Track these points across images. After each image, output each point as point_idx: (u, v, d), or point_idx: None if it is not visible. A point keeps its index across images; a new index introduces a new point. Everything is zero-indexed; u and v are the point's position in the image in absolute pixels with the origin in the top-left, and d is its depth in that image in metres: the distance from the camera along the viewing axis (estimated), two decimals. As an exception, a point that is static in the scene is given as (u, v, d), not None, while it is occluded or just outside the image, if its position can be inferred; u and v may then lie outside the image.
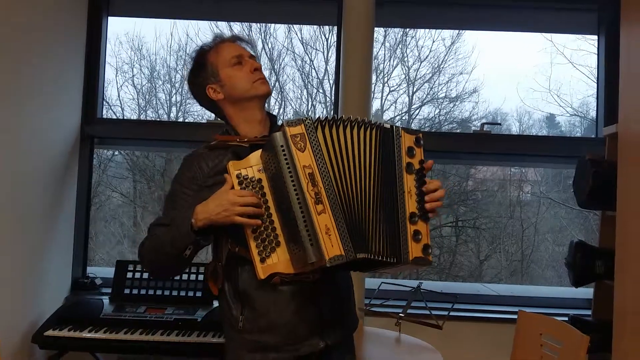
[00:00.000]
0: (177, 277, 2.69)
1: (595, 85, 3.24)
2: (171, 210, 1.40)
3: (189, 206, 1.33)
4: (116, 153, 4.74)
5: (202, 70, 1.50)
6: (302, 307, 1.36)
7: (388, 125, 1.31)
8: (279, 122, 1.47)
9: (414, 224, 1.24)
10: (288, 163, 1.19)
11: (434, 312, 2.38)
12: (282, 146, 1.20)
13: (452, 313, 2.43)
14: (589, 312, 2.67)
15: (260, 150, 1.29)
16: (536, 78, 3.78)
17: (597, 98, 3.20)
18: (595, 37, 3.24)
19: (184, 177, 1.43)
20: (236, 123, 1.49)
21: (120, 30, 3.67)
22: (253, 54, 1.53)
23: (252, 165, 1.28)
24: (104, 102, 3.26)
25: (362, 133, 1.26)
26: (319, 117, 1.25)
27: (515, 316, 2.38)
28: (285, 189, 1.19)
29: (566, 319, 2.48)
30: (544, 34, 3.46)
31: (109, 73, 3.35)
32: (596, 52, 3.23)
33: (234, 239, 1.36)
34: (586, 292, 2.90)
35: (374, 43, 2.92)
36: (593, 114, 3.28)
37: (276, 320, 1.35)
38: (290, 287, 1.35)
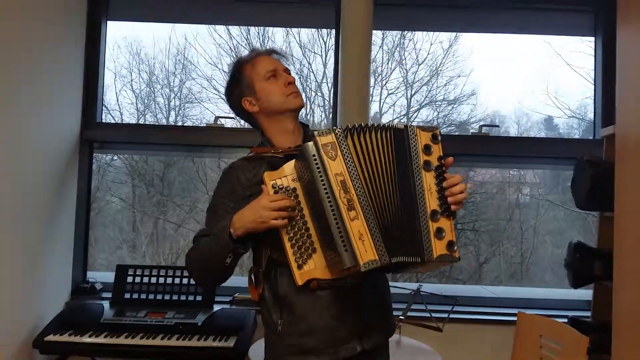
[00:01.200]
0: (178, 281, 2.71)
1: (593, 87, 3.25)
2: (213, 221, 1.44)
3: (229, 217, 1.36)
4: (115, 158, 4.74)
5: (238, 82, 1.55)
6: (341, 311, 1.38)
7: (402, 126, 1.32)
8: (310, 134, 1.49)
9: (435, 222, 1.26)
10: (320, 171, 1.22)
11: (434, 315, 2.39)
12: (314, 155, 1.23)
13: (452, 315, 2.44)
14: (588, 314, 2.67)
15: (294, 160, 1.33)
16: (534, 80, 3.79)
17: (595, 100, 3.21)
18: (593, 39, 3.25)
19: (223, 190, 1.48)
20: (271, 134, 1.53)
21: (118, 34, 3.67)
22: (287, 67, 1.57)
23: (287, 175, 1.33)
24: (103, 107, 3.27)
25: (379, 136, 1.29)
26: (348, 125, 1.28)
27: (515, 318, 2.38)
28: (319, 197, 1.22)
29: (566, 320, 2.49)
30: (541, 36, 3.47)
31: (108, 77, 3.35)
32: (593, 54, 3.25)
33: (272, 245, 1.39)
34: (585, 293, 2.91)
35: (372, 46, 2.93)
36: (591, 115, 3.29)
37: (315, 323, 1.38)
38: (329, 291, 1.37)
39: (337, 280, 1.30)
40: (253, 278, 1.45)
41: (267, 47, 1.60)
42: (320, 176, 1.22)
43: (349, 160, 1.23)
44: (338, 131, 1.26)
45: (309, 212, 1.30)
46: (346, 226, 1.18)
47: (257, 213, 1.29)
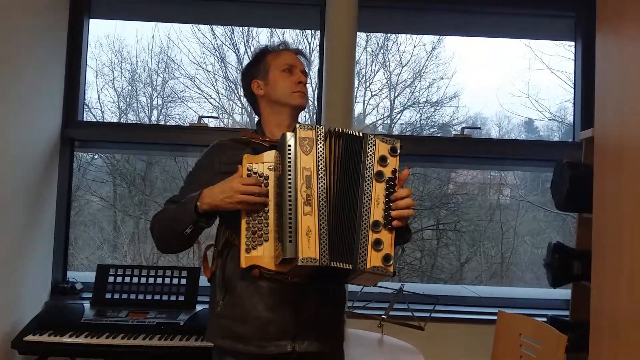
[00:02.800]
0: (160, 281, 2.69)
1: (573, 90, 3.31)
2: (187, 190, 1.48)
3: (203, 188, 1.40)
4: (96, 157, 4.69)
5: (257, 65, 1.59)
6: (277, 306, 1.38)
7: (361, 134, 1.34)
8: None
9: (376, 232, 1.26)
10: (290, 161, 1.25)
11: (416, 314, 2.40)
12: (289, 145, 1.27)
13: (433, 314, 2.46)
14: (567, 313, 2.73)
15: (275, 150, 1.36)
16: (515, 83, 3.84)
17: (574, 103, 3.27)
18: (573, 43, 3.31)
19: (203, 162, 1.55)
20: (266, 123, 1.58)
21: (100, 32, 3.63)
22: (307, 71, 1.61)
23: (264, 162, 1.35)
24: (84, 105, 3.23)
25: (343, 141, 1.32)
26: (331, 128, 1.31)
27: (495, 317, 2.41)
28: (283, 186, 1.25)
29: (545, 319, 2.53)
30: (522, 40, 3.53)
31: (89, 76, 3.32)
32: (573, 58, 3.31)
33: (231, 227, 1.41)
34: (564, 293, 2.96)
35: (356, 48, 2.95)
36: (570, 118, 3.35)
37: (250, 312, 1.39)
38: (271, 284, 1.38)
39: (279, 274, 1.30)
40: (209, 255, 1.49)
41: (298, 47, 1.64)
42: (289, 165, 1.25)
43: (320, 159, 1.26)
44: (320, 130, 1.28)
45: (273, 202, 1.31)
46: (297, 219, 1.20)
47: (226, 192, 1.32)
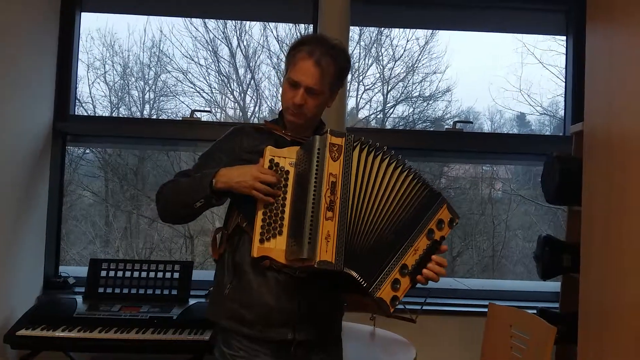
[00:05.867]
0: (152, 275, 2.69)
1: (564, 85, 3.33)
2: (202, 167, 1.50)
3: (218, 168, 1.43)
4: (87, 151, 4.66)
5: (289, 54, 1.53)
6: (282, 296, 1.44)
7: (438, 191, 1.42)
8: (325, 130, 1.45)
9: (401, 275, 1.31)
10: (318, 165, 1.28)
11: (407, 307, 2.41)
12: (318, 149, 1.29)
13: (425, 307, 2.44)
14: (556, 305, 2.75)
15: (299, 147, 1.39)
16: (507, 78, 3.85)
17: (565, 97, 3.29)
18: (564, 37, 3.33)
19: (224, 144, 1.55)
20: (286, 116, 1.55)
21: (92, 26, 3.60)
22: (317, 85, 1.46)
23: (286, 157, 1.38)
24: (76, 99, 3.21)
25: (403, 176, 1.37)
26: (362, 138, 1.34)
27: (486, 309, 2.44)
28: (307, 187, 1.28)
29: (535, 311, 2.55)
30: (515, 34, 3.54)
31: (81, 69, 3.30)
32: (565, 53, 3.33)
33: (244, 214, 1.45)
34: (554, 285, 2.99)
35: (349, 42, 2.95)
36: (562, 112, 3.37)
37: (256, 298, 1.44)
38: (277, 275, 1.43)
39: (288, 267, 1.35)
40: (218, 238, 1.52)
41: (326, 55, 1.47)
42: (316, 169, 1.27)
43: (347, 168, 1.29)
44: (349, 138, 1.32)
45: (290, 198, 1.35)
46: (319, 222, 1.23)
47: (244, 177, 1.35)
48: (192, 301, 2.62)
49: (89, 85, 4.10)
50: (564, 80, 3.33)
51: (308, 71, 1.45)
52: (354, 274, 1.25)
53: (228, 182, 1.38)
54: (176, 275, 2.69)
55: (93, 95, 4.18)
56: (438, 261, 1.37)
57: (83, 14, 3.17)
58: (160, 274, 2.70)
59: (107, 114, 4.27)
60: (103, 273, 2.68)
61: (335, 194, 1.26)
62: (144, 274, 2.69)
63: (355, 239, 1.28)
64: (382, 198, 1.34)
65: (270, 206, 1.35)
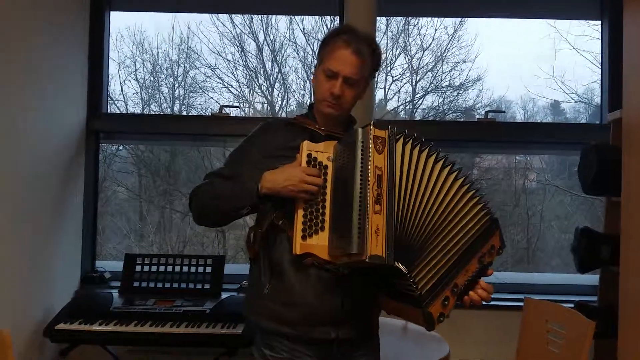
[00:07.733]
0: (186, 270, 2.73)
1: (600, 71, 3.22)
2: (235, 165, 1.49)
3: (252, 166, 1.42)
4: (120, 148, 4.76)
5: (321, 49, 1.51)
6: (325, 293, 1.41)
7: (495, 217, 1.41)
8: (366, 124, 1.44)
9: (452, 293, 1.30)
10: (363, 158, 1.25)
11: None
12: (362, 142, 1.26)
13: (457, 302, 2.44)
14: (594, 298, 2.68)
15: (335, 141, 1.36)
16: (540, 65, 3.75)
17: (602, 84, 3.19)
18: (599, 22, 3.22)
19: (256, 140, 1.52)
20: (316, 110, 1.53)
21: (121, 24, 3.67)
22: (355, 75, 1.45)
23: (324, 151, 1.36)
24: (108, 97, 3.27)
25: (457, 183, 1.35)
26: (405, 130, 1.31)
27: (521, 304, 2.39)
28: (351, 181, 1.25)
29: (572, 305, 2.49)
30: (547, 20, 3.44)
31: (112, 68, 3.36)
32: (600, 38, 3.21)
33: (280, 212, 1.41)
34: (592, 278, 2.91)
35: (376, 32, 2.91)
36: (598, 100, 3.26)
37: (299, 298, 1.41)
38: (318, 272, 1.40)
39: (330, 264, 1.32)
40: (252, 236, 1.49)
41: (363, 44, 1.45)
42: (362, 162, 1.24)
43: (391, 160, 1.26)
44: (392, 130, 1.29)
45: (330, 193, 1.32)
46: (367, 216, 1.20)
47: (291, 180, 1.31)
48: (224, 295, 2.65)
49: (120, 83, 4.18)
50: (600, 66, 3.22)
51: (347, 60, 1.42)
52: (403, 268, 1.22)
53: (274, 187, 1.34)
54: (209, 269, 2.73)
55: (125, 92, 4.26)
56: (484, 287, 1.36)
57: (112, 13, 3.22)
58: (193, 269, 2.74)
59: (138, 110, 4.35)
60: (138, 268, 2.74)
61: (382, 187, 1.23)
62: (177, 269, 2.74)
63: (406, 234, 1.26)
64: (430, 196, 1.31)
65: (311, 204, 1.32)
